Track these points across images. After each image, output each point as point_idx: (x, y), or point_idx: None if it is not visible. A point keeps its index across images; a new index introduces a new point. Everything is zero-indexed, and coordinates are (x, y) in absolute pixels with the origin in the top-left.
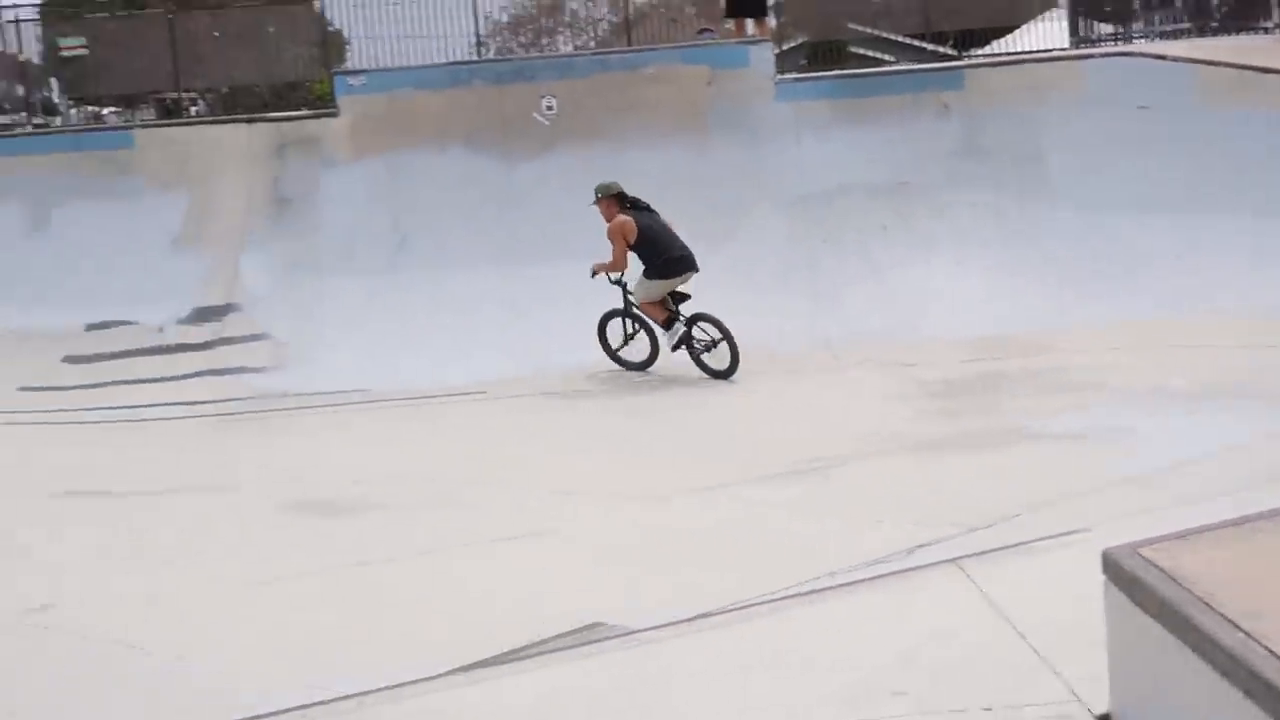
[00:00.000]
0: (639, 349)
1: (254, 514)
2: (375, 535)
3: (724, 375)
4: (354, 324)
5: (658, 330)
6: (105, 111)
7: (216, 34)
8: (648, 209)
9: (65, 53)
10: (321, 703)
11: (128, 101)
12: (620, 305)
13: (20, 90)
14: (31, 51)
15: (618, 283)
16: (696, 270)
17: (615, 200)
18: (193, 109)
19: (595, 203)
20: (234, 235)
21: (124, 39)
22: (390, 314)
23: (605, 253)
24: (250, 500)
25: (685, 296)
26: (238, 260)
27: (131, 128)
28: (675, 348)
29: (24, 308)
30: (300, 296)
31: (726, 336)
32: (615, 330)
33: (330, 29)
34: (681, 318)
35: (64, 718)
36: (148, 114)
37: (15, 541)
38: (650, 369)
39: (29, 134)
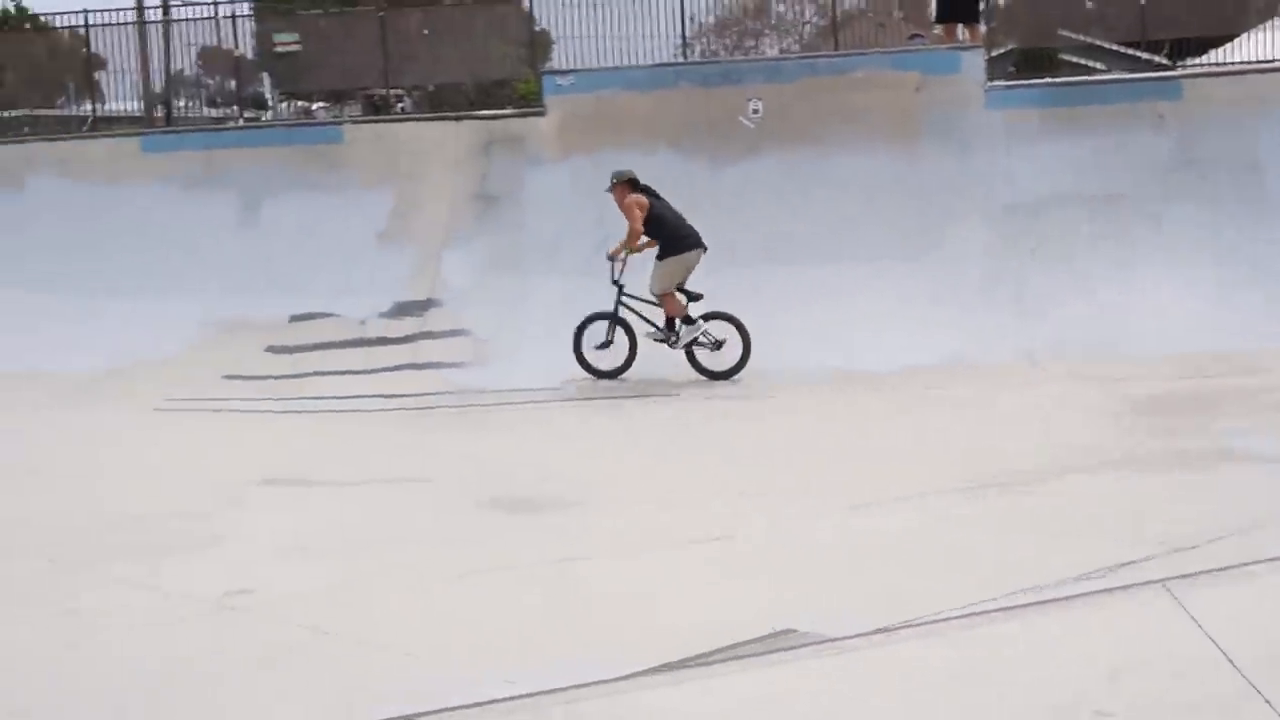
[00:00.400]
0: (613, 356)
1: (450, 507)
2: (569, 532)
3: (724, 376)
4: (553, 322)
5: (641, 332)
6: (314, 106)
7: (426, 32)
8: (658, 196)
9: (279, 48)
10: (527, 695)
11: (336, 97)
12: (606, 309)
13: (232, 84)
14: (245, 47)
15: (616, 282)
16: (705, 248)
17: (628, 185)
18: (398, 105)
19: (610, 189)
20: (438, 231)
21: (336, 35)
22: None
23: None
24: (447, 493)
25: (697, 296)
26: (441, 256)
27: (341, 123)
28: (687, 345)
29: (232, 297)
30: (501, 293)
31: (743, 336)
32: (593, 334)
33: (535, 28)
34: (698, 327)
35: (256, 698)
36: (354, 110)
37: (216, 526)
38: (623, 377)
39: (243, 128)
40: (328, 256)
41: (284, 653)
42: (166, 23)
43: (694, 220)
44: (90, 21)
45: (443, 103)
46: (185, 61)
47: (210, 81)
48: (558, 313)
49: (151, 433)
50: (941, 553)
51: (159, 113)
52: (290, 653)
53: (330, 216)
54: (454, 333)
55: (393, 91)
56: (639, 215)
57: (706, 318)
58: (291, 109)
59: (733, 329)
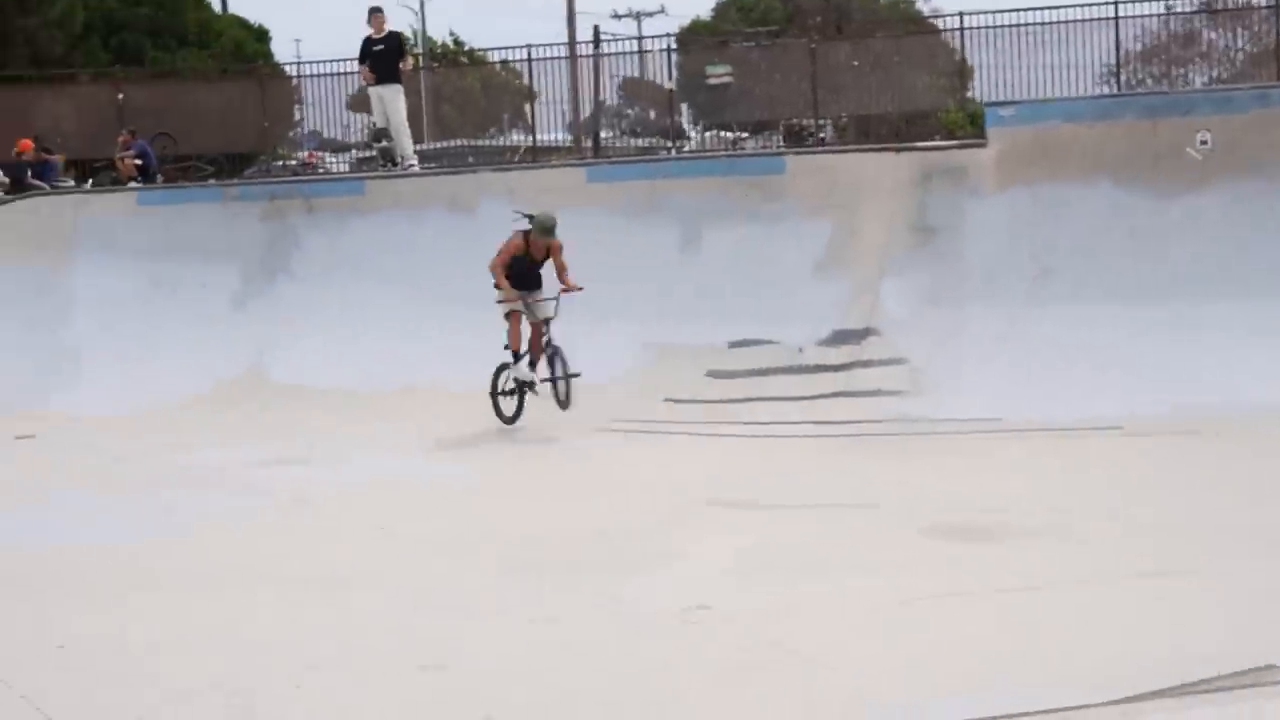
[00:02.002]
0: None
1: (894, 533)
2: (1016, 561)
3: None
4: (991, 353)
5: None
6: (734, 136)
7: (855, 63)
8: None
9: (712, 80)
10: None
11: (757, 128)
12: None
13: (651, 115)
14: (665, 78)
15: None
16: None
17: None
18: (818, 136)
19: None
20: (875, 261)
21: (765, 67)
22: (1027, 345)
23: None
24: (889, 519)
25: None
26: (878, 286)
27: (783, 154)
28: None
29: (672, 323)
30: (938, 323)
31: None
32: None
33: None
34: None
35: (722, 712)
36: (768, 141)
37: (670, 545)
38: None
39: (684, 158)
40: (766, 284)
41: (745, 670)
42: (597, 56)
43: (1130, 251)
44: (533, 56)
45: (866, 133)
46: (609, 93)
47: (630, 112)
48: (996, 344)
49: (597, 453)
50: None
51: (586, 142)
52: (751, 670)
53: (769, 245)
54: (891, 361)
55: (814, 122)
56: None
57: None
58: (713, 139)
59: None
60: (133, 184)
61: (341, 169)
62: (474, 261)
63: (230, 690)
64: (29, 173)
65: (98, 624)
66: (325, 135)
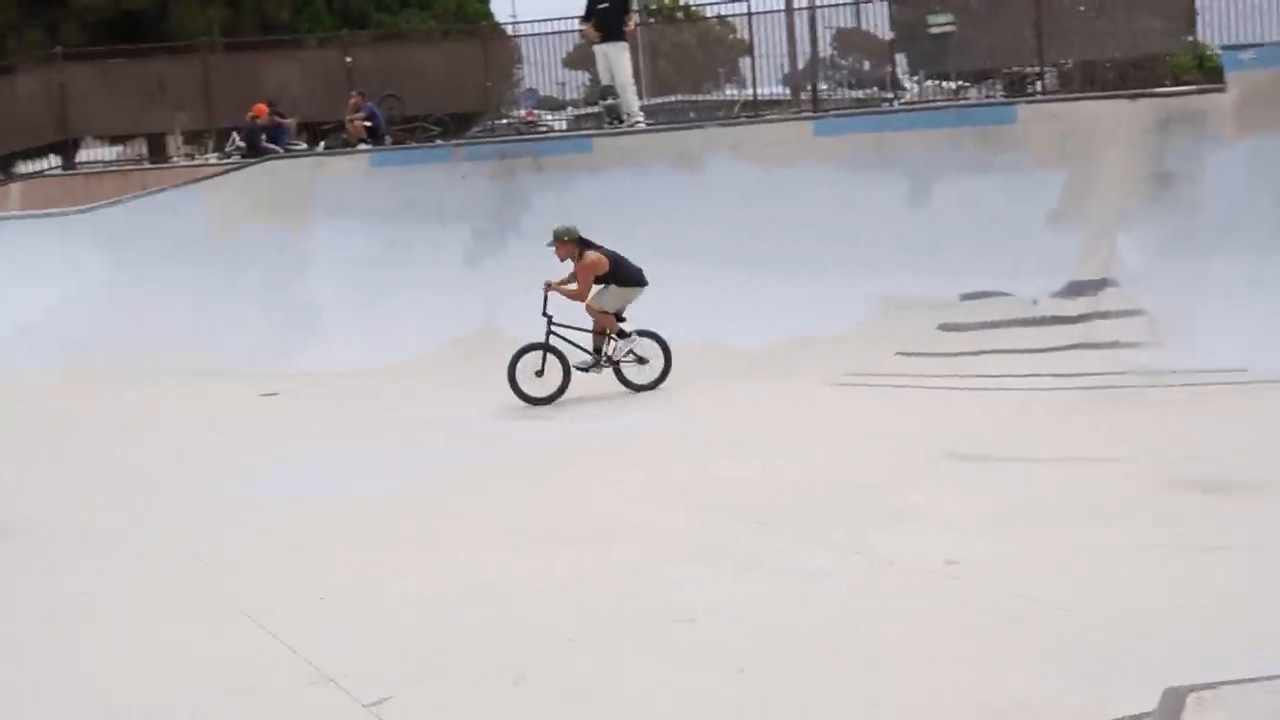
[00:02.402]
0: (546, 384)
1: (1139, 486)
2: (1266, 516)
3: (648, 388)
4: (1233, 303)
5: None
6: (955, 86)
7: (1082, 8)
8: (599, 246)
9: (933, 29)
10: None
11: (977, 77)
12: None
13: (866, 66)
14: (881, 29)
15: (545, 314)
16: (647, 284)
17: (576, 244)
18: (1038, 84)
19: (551, 245)
20: (1111, 211)
21: (986, 15)
22: (1271, 295)
23: None
24: (1133, 472)
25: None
26: (1114, 236)
27: (1015, 103)
28: (614, 362)
29: (901, 276)
30: (1178, 273)
31: (664, 351)
32: (526, 365)
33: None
34: (633, 340)
35: (986, 660)
36: (993, 90)
37: (912, 499)
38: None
39: (912, 110)
40: (998, 237)
41: (1003, 624)
42: (814, 8)
43: None
44: (751, 9)
45: (1091, 80)
46: (824, 44)
47: (844, 63)
48: (1238, 293)
49: (831, 406)
50: None
51: (804, 95)
52: (1009, 623)
53: (1000, 197)
54: (1129, 313)
55: (1038, 69)
56: (590, 279)
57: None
58: (931, 89)
59: (656, 346)
60: (362, 145)
61: (559, 127)
62: (699, 217)
63: (498, 643)
64: (263, 136)
65: (356, 577)
66: (542, 93)
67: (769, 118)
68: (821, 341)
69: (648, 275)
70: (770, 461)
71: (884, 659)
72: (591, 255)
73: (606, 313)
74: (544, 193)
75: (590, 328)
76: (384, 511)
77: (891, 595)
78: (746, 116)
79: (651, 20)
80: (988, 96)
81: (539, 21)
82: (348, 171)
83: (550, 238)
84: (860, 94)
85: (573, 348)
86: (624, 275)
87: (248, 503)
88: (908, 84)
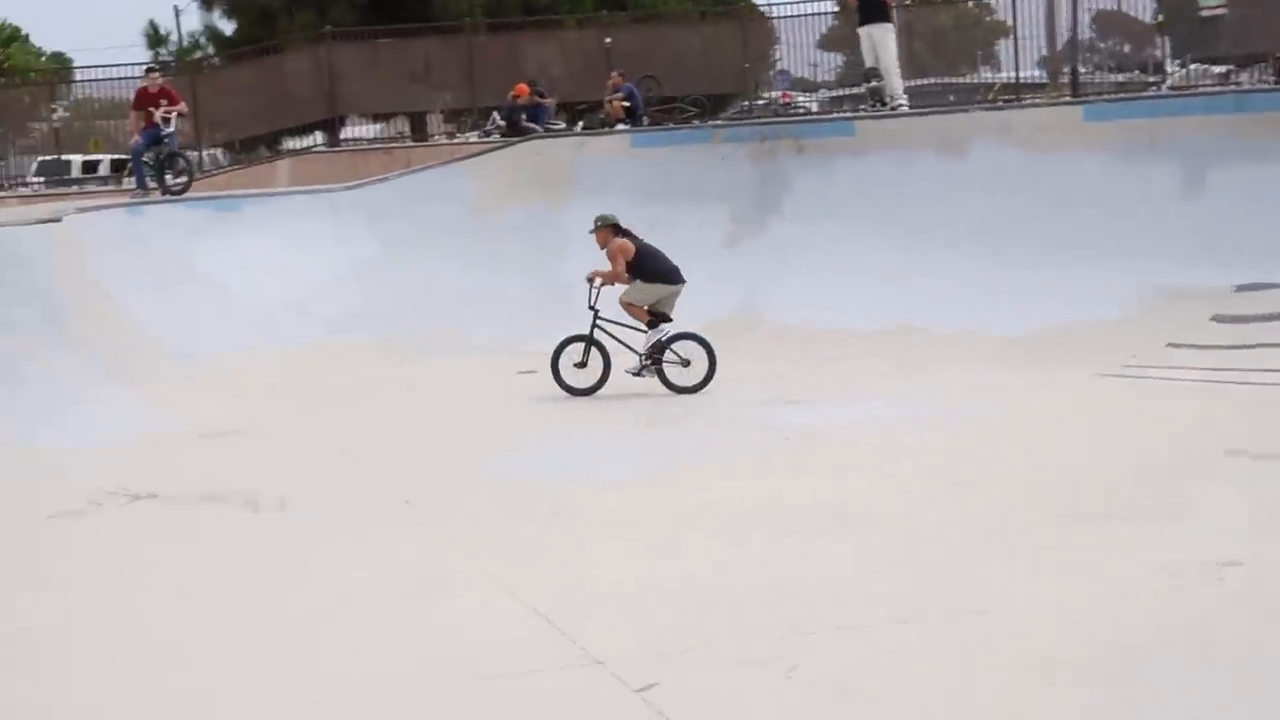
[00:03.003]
0: (588, 375)
1: None
2: None
3: (690, 391)
4: None
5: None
6: (1223, 70)
7: None
8: (639, 239)
9: (1204, 13)
10: None
11: (1244, 60)
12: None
13: (1126, 49)
14: (1149, 12)
15: (592, 307)
16: (684, 281)
17: (612, 229)
18: None
19: (593, 231)
20: None
21: None
22: None
23: None
24: None
25: (668, 318)
26: None
27: None
28: (649, 357)
29: (1172, 266)
30: None
31: (709, 355)
32: (569, 356)
33: None
34: (663, 330)
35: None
36: (1265, 74)
37: (1187, 495)
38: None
39: (1188, 94)
40: (1277, 227)
41: None
42: None
43: None
44: None
45: None
46: (1083, 26)
47: (1103, 46)
48: None
49: (1099, 397)
50: None
51: (1061, 79)
52: None
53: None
54: None
55: None
56: (623, 261)
57: (676, 338)
58: (1197, 73)
59: (700, 349)
60: (620, 125)
61: (812, 109)
62: (962, 202)
63: (770, 631)
64: (523, 115)
65: (621, 560)
66: (795, 75)
67: (1035, 102)
68: (1088, 330)
69: (907, 263)
70: (1039, 452)
71: (1168, 661)
72: (618, 241)
73: (635, 305)
74: (804, 175)
75: (639, 326)
76: (646, 495)
77: (1170, 595)
78: (1004, 100)
79: (909, 3)
80: (1260, 81)
81: (795, 3)
82: (609, 151)
83: (593, 224)
84: (1120, 78)
85: (622, 347)
86: (650, 270)
87: (510, 481)
88: (1169, 68)
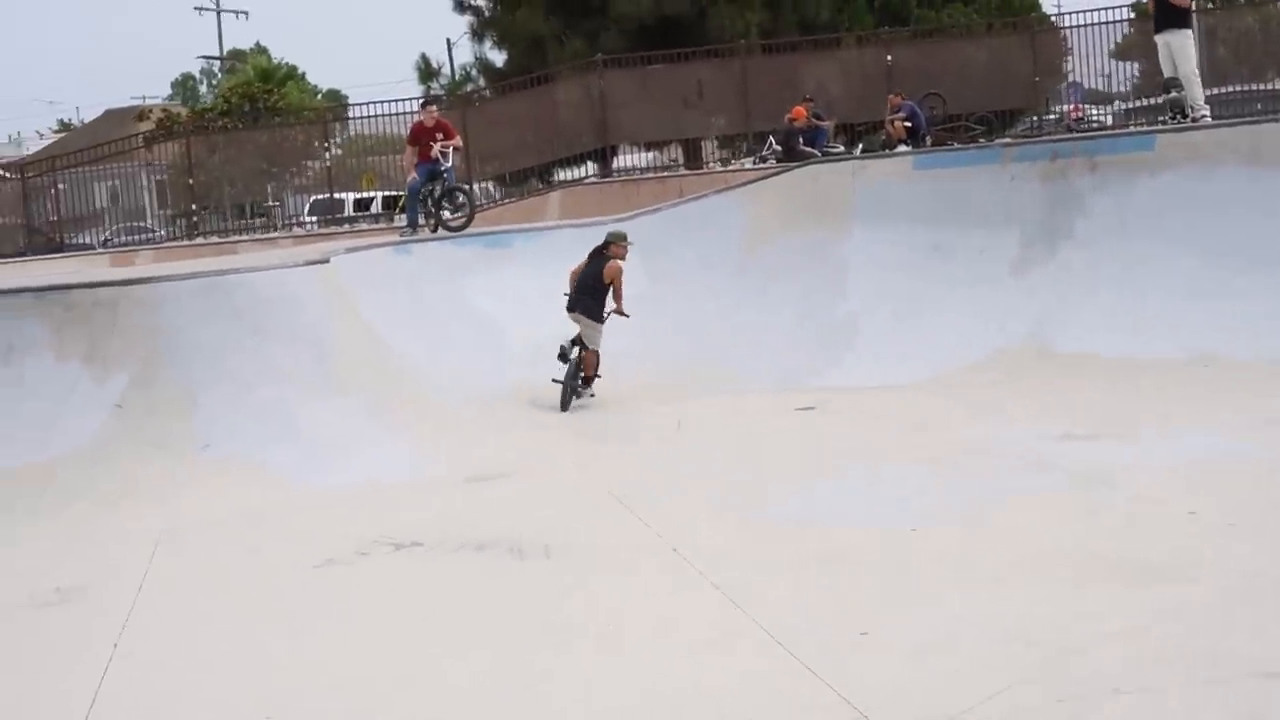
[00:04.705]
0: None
1: None
2: None
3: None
4: None
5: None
6: None
7: None
8: None
9: None
10: None
11: None
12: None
13: None
14: None
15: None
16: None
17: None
18: None
19: (629, 245)
20: None
21: None
22: None
23: None
24: None
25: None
26: None
27: None
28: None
29: None
30: None
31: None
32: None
33: None
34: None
35: None
36: None
37: None
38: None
39: None
40: None
41: None
42: None
43: None
44: None
45: None
46: None
47: None
48: None
49: None
50: None
51: None
52: None
53: None
54: None
55: None
56: None
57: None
58: None
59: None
60: (902, 147)
61: (1105, 122)
62: (1274, 218)
63: (1052, 691)
64: (800, 139)
65: (890, 609)
66: (1087, 87)
67: None
68: None
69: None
70: None
71: None
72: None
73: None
74: (1099, 195)
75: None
76: (925, 542)
77: None
78: None
79: (1210, 5)
80: None
81: (1088, 11)
82: (889, 174)
83: (619, 240)
84: None
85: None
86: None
87: (781, 525)
88: None
